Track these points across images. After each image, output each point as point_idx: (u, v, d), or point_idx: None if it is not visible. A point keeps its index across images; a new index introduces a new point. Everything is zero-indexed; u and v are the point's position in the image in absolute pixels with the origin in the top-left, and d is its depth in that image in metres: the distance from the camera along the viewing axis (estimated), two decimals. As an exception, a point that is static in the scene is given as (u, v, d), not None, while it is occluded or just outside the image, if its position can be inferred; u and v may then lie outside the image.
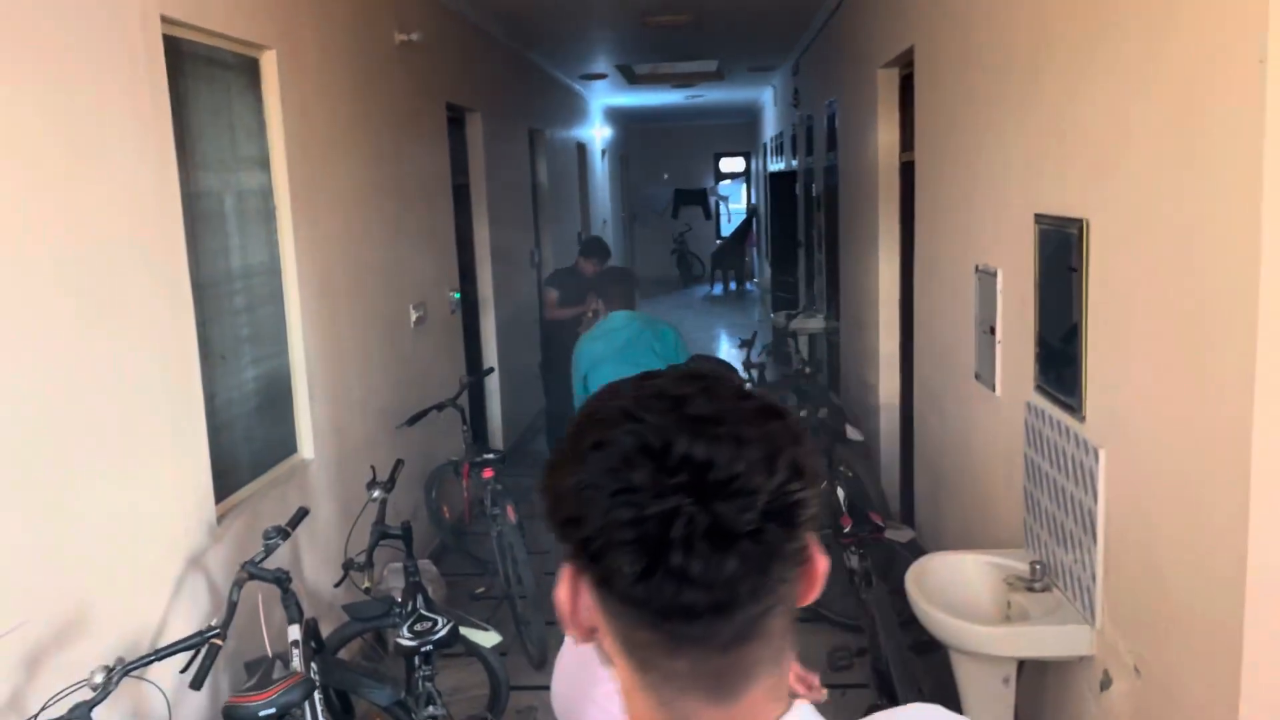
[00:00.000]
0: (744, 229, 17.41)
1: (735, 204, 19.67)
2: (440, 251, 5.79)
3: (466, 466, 4.81)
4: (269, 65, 3.66)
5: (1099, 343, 2.49)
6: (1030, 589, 2.80)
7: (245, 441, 3.52)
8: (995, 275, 3.28)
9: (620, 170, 17.40)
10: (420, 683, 2.86)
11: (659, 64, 11.19)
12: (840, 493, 3.81)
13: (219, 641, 2.57)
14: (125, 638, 2.60)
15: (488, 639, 3.31)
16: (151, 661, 2.19)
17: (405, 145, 5.17)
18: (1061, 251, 2.68)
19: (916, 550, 3.85)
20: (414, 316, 5.21)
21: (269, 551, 2.85)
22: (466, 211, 6.89)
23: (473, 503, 5.04)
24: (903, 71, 5.03)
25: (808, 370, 5.96)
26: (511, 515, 4.15)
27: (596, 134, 13.79)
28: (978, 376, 3.53)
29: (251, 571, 2.77)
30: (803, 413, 5.12)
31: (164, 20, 2.92)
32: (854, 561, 3.67)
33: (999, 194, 3.28)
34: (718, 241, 18.26)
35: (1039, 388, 2.91)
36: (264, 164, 3.68)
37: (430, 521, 5.27)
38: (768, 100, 13.80)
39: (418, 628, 2.82)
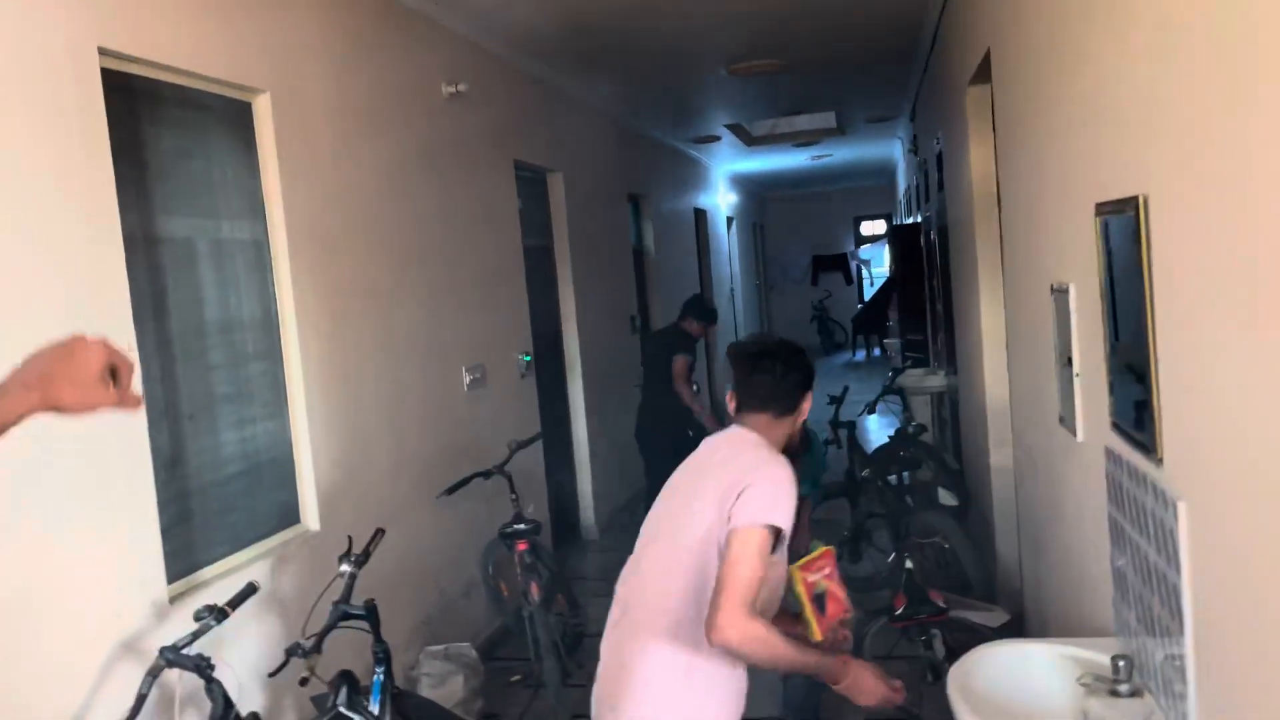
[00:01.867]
0: (886, 292, 16.59)
1: (878, 268, 18.87)
2: (506, 312, 5.50)
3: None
4: (263, 109, 3.47)
5: (1171, 352, 1.86)
6: (1114, 693, 2.11)
7: (224, 511, 3.22)
8: (1068, 292, 2.65)
9: (754, 238, 17.00)
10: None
11: (775, 124, 10.81)
12: (908, 564, 3.18)
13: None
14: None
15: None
16: None
17: (459, 201, 4.93)
18: (1126, 246, 2.06)
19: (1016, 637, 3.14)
20: (467, 380, 4.90)
21: (198, 634, 2.50)
22: (550, 274, 6.63)
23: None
24: (993, 87, 4.43)
25: (911, 430, 5.28)
26: (535, 593, 3.69)
27: (721, 200, 13.47)
28: (1061, 420, 2.86)
29: (169, 658, 2.42)
30: (891, 477, 4.46)
31: (106, 53, 2.73)
32: (928, 652, 3.02)
33: (1063, 193, 2.67)
34: (859, 307, 17.50)
35: (1114, 425, 2.26)
36: (257, 212, 3.46)
37: (489, 601, 4.87)
38: (899, 155, 13.16)
39: None
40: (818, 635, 2.15)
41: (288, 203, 3.51)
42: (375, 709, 2.63)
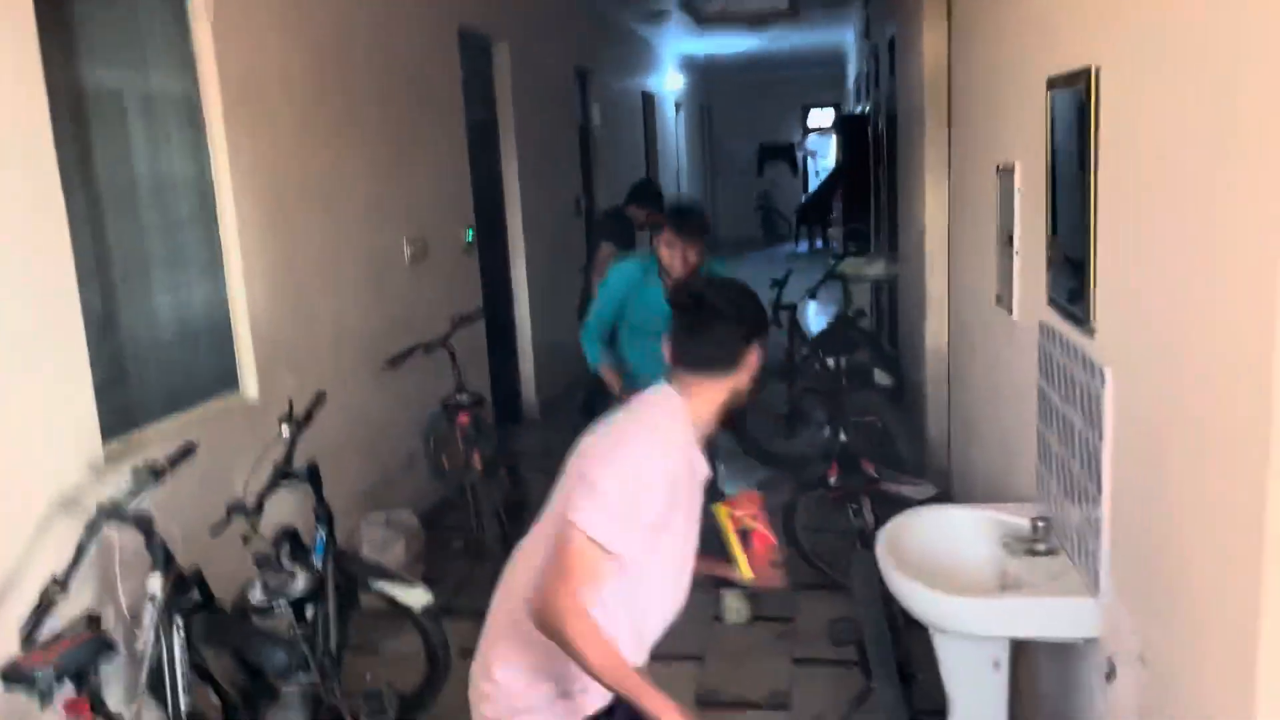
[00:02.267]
0: (831, 184, 16.57)
1: (824, 159, 18.80)
2: (448, 184, 5.39)
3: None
4: (192, -42, 3.28)
5: (1111, 226, 1.90)
6: (1032, 552, 2.22)
7: (161, 374, 3.18)
8: (1013, 172, 2.68)
9: (701, 123, 16.77)
10: (300, 644, 2.47)
11: (726, 2, 10.54)
12: (842, 437, 3.27)
13: (57, 590, 2.24)
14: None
15: (414, 597, 2.90)
16: None
17: (400, 68, 4.77)
18: (1073, 118, 2.08)
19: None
20: (408, 252, 4.82)
21: (136, 491, 2.49)
22: (494, 150, 6.49)
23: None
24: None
25: (850, 314, 5.37)
26: (477, 462, 3.73)
27: (669, 84, 13.22)
28: (998, 299, 2.93)
29: (108, 513, 2.41)
30: (829, 360, 4.55)
31: (19, -118, 2.54)
32: (857, 519, 3.14)
33: (1016, 68, 2.67)
34: (803, 198, 17.48)
35: (1051, 301, 2.32)
36: (188, 66, 3.31)
37: (430, 472, 4.90)
38: (851, 42, 12.98)
39: (272, 582, 2.42)
40: (747, 572, 2.07)
41: (221, 59, 3.36)
42: (318, 565, 2.67)
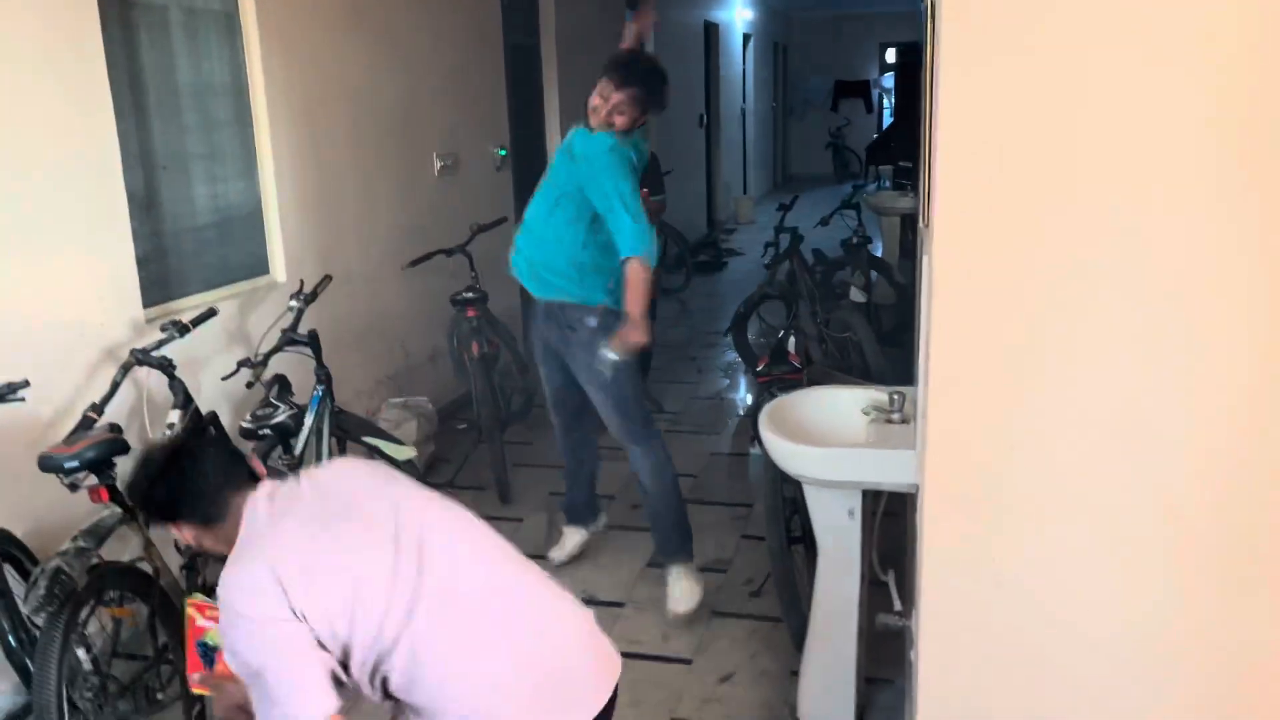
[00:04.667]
0: (896, 122, 16.49)
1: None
2: (483, 105, 5.80)
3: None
4: (232, -114, 3.72)
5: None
6: (889, 420, 2.59)
7: (196, 255, 3.70)
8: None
9: (774, 59, 16.78)
10: (286, 472, 2.98)
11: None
12: (790, 342, 3.63)
13: (94, 415, 2.77)
14: (30, 412, 2.81)
15: (398, 452, 3.39)
16: None
17: (435, -9, 5.17)
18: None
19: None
20: (438, 165, 5.27)
21: (163, 342, 3.02)
22: (536, 76, 6.86)
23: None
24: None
25: (855, 240, 5.67)
26: (475, 350, 4.21)
27: (738, 15, 13.31)
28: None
29: (139, 357, 2.94)
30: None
31: None
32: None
33: None
34: (874, 136, 17.41)
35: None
36: (227, -15, 3.78)
37: (454, 369, 5.40)
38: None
39: (259, 413, 2.93)
40: (190, 677, 1.96)
41: (257, -23, 3.82)
42: (310, 419, 3.17)
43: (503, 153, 6.04)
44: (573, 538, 3.72)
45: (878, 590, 2.68)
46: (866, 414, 2.65)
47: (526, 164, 6.59)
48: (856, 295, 4.63)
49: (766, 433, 2.61)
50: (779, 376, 3.29)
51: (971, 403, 1.77)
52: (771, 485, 3.01)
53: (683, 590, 3.31)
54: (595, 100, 3.16)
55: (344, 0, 4.38)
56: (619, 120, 3.13)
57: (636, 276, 3.01)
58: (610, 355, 3.05)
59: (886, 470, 2.43)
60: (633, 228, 3.00)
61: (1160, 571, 1.69)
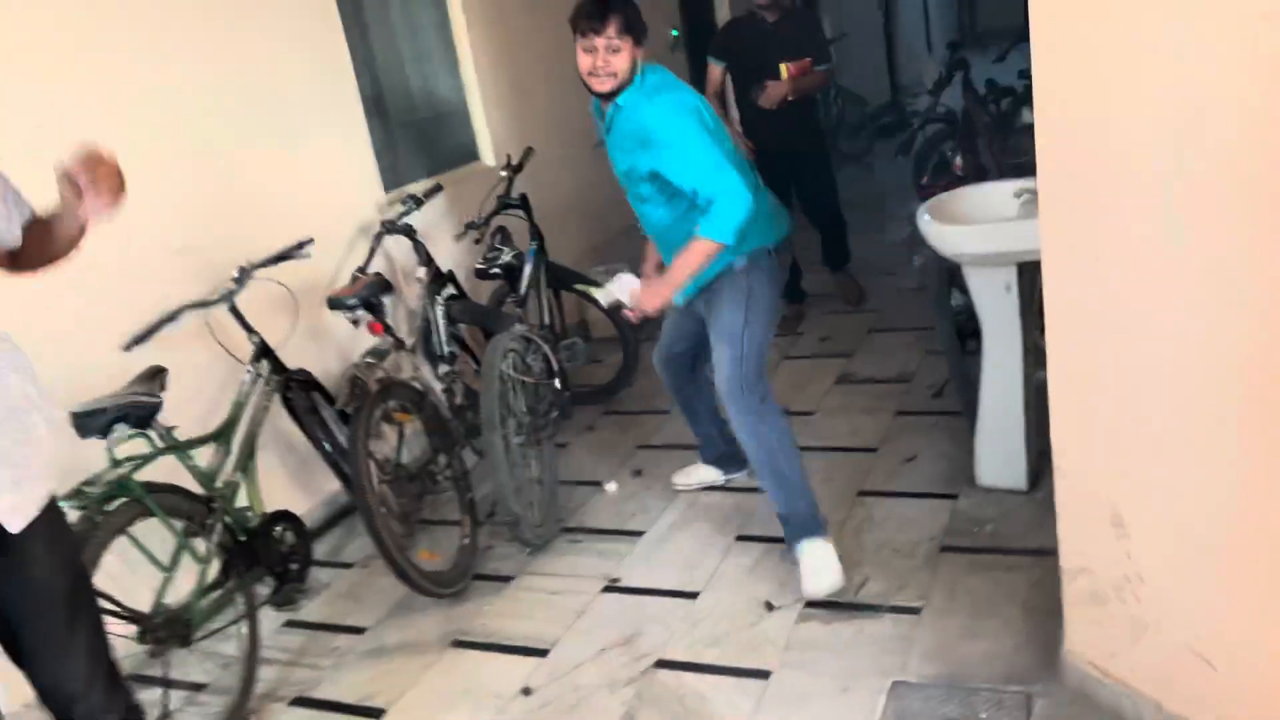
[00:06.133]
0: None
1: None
2: (651, -9, 6.12)
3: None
4: None
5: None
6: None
7: (422, 146, 4.30)
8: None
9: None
10: (514, 309, 3.55)
11: None
12: (956, 159, 3.84)
13: (360, 274, 3.41)
14: (312, 270, 3.47)
15: (602, 295, 3.88)
16: (269, 263, 2.99)
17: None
18: None
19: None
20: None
21: (404, 214, 3.62)
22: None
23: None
24: None
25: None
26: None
27: None
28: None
29: (386, 227, 3.56)
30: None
31: None
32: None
33: None
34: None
35: None
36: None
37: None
38: None
39: (489, 255, 3.49)
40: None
41: (441, -106, 4.30)
42: (529, 268, 3.71)
43: (675, 33, 6.36)
44: (705, 473, 3.42)
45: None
46: (1018, 196, 2.88)
47: (699, 44, 6.88)
48: (1027, 117, 4.67)
49: (927, 225, 2.89)
50: (943, 186, 3.52)
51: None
52: (938, 279, 3.29)
53: (814, 567, 2.75)
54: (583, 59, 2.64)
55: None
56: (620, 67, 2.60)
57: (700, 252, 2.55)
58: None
59: (1036, 240, 2.68)
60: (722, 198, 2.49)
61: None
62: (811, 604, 2.71)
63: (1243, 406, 1.70)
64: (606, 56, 2.60)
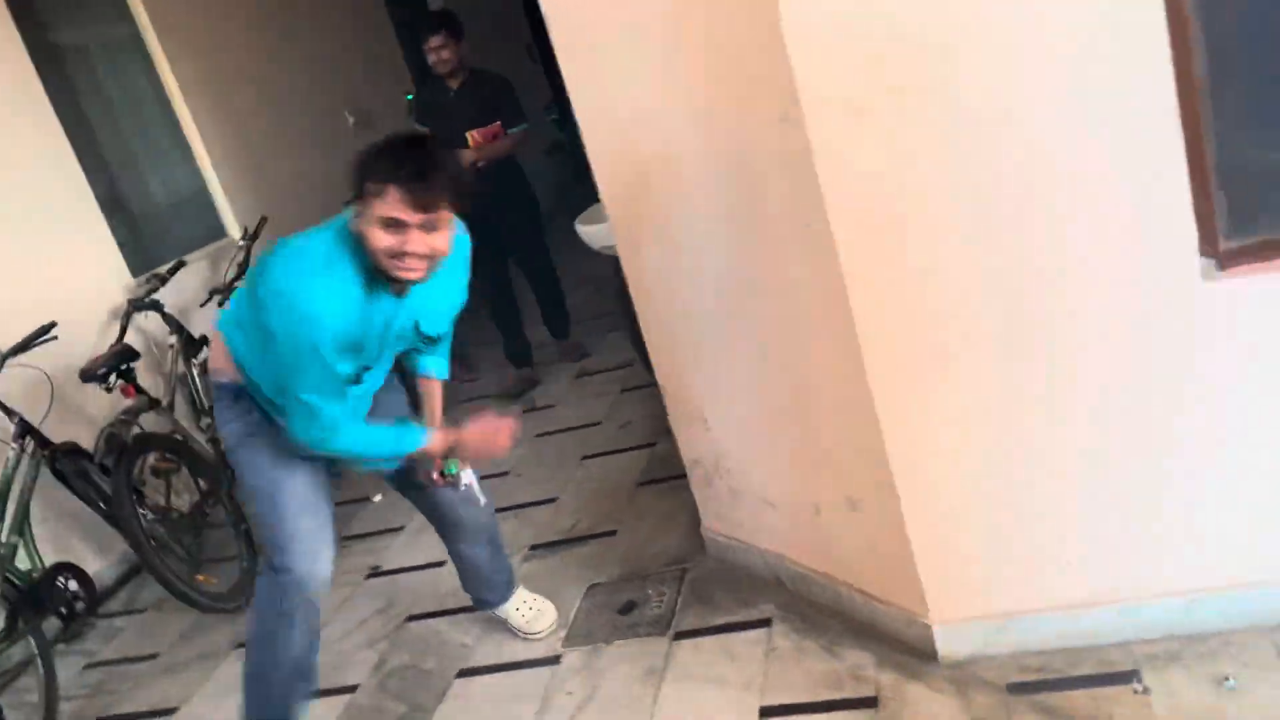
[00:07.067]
0: None
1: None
2: (383, 66, 6.70)
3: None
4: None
5: None
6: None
7: (166, 231, 4.71)
8: None
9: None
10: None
11: None
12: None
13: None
14: (67, 352, 3.81)
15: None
16: (18, 350, 3.34)
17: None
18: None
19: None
20: (352, 120, 6.20)
21: (149, 291, 4.02)
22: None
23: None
24: None
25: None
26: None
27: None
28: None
29: (133, 304, 3.96)
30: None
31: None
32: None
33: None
34: None
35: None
36: (126, 16, 4.71)
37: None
38: None
39: None
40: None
41: (151, 10, 4.74)
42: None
43: (410, 98, 6.92)
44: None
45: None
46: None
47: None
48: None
49: (579, 229, 3.52)
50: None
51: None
52: (618, 272, 3.94)
53: (526, 618, 2.79)
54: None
55: (234, 5, 5.29)
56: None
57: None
58: None
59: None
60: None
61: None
62: (534, 546, 3.28)
63: (747, 323, 2.38)
64: (424, 237, 1.92)
